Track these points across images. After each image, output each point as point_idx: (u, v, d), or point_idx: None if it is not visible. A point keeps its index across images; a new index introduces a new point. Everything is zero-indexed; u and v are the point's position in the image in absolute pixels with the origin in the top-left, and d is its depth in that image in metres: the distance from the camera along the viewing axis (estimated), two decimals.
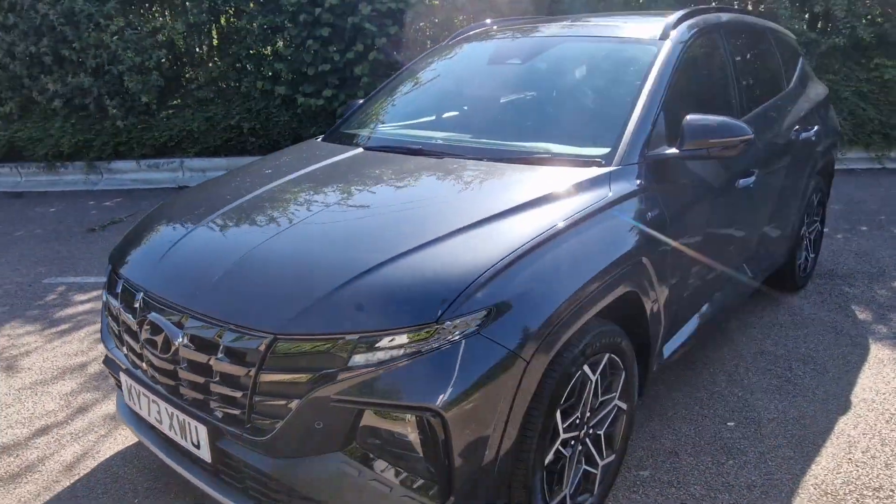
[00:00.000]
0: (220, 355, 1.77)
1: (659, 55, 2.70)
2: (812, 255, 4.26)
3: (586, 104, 2.76)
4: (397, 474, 1.72)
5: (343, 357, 1.66)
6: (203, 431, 1.86)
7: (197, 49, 8.50)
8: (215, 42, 8.60)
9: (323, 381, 1.66)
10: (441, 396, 1.64)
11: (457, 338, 1.68)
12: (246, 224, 2.17)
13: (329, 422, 1.69)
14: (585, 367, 2.04)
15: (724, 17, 3.30)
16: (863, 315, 3.80)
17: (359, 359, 1.66)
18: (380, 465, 1.72)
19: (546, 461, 1.95)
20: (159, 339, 1.92)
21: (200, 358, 1.82)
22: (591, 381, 2.09)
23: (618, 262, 2.07)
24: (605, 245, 2.07)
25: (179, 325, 1.88)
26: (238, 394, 1.76)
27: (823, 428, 2.76)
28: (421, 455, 1.68)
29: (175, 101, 8.32)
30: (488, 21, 3.61)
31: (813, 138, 3.78)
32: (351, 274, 1.76)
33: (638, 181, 2.32)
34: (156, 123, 8.01)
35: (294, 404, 1.68)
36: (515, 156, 2.47)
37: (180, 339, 1.86)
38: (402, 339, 1.66)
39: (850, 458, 2.57)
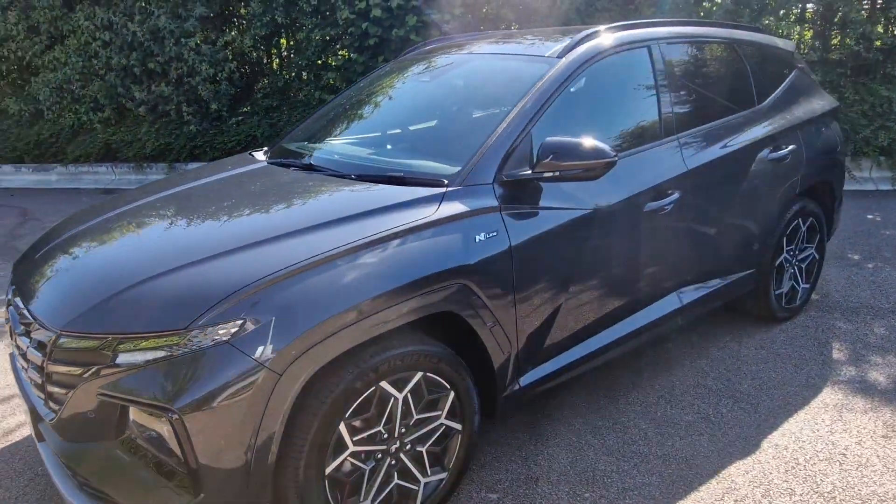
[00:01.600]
0: (30, 347, 2.03)
1: (545, 75, 2.66)
2: (805, 286, 3.91)
3: (466, 123, 2.77)
4: (159, 467, 1.88)
5: (109, 355, 1.85)
6: (27, 413, 2.12)
7: (265, 60, 9.12)
8: (284, 54, 9.19)
9: (92, 376, 1.86)
10: (181, 398, 1.78)
11: (206, 346, 1.81)
12: (91, 238, 2.39)
13: (99, 413, 1.88)
14: (384, 384, 2.09)
15: (662, 31, 3.15)
16: (839, 354, 3.46)
17: (122, 358, 1.84)
18: (146, 457, 1.89)
19: (327, 472, 2.02)
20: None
21: (24, 348, 2.09)
22: (397, 399, 2.14)
23: (421, 282, 2.10)
24: (406, 264, 2.10)
25: (24, 321, 2.16)
26: (40, 381, 2.00)
27: (710, 471, 2.59)
28: (174, 452, 1.83)
29: (245, 109, 8.99)
30: (433, 40, 3.67)
31: (790, 159, 3.50)
32: (128, 283, 1.95)
33: (482, 202, 2.33)
34: (226, 129, 8.70)
35: (71, 394, 1.89)
36: (379, 173, 2.55)
37: (19, 331, 2.14)
38: (156, 342, 1.82)
39: None
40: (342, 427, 2.02)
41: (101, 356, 1.86)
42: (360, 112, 3.21)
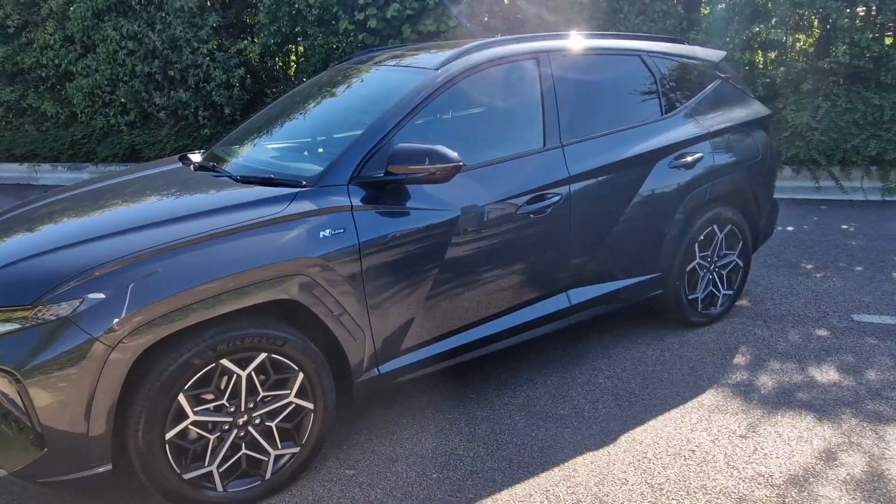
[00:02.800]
0: None
1: (416, 85, 2.88)
2: (727, 292, 3.98)
3: (346, 130, 2.99)
4: (16, 423, 2.20)
5: None
6: None
7: (280, 67, 9.57)
8: (300, 60, 9.61)
9: None
10: (23, 363, 2.08)
11: (49, 320, 2.11)
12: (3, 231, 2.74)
13: None
14: (225, 362, 2.35)
15: (555, 44, 3.31)
16: (740, 359, 3.53)
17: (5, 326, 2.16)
18: (6, 415, 2.20)
19: (168, 437, 2.29)
20: None
21: None
22: (240, 376, 2.39)
23: (258, 271, 2.35)
24: (245, 255, 2.35)
25: None
26: None
27: (558, 460, 2.73)
28: (16, 409, 2.14)
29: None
30: (365, 51, 3.92)
31: (696, 167, 3.59)
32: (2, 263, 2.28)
33: (333, 201, 2.56)
34: None
35: None
36: (257, 174, 2.81)
37: None
38: (9, 315, 2.13)
39: (546, 490, 2.55)
40: (181, 398, 2.29)
41: None
42: (277, 120, 3.48)
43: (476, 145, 3.05)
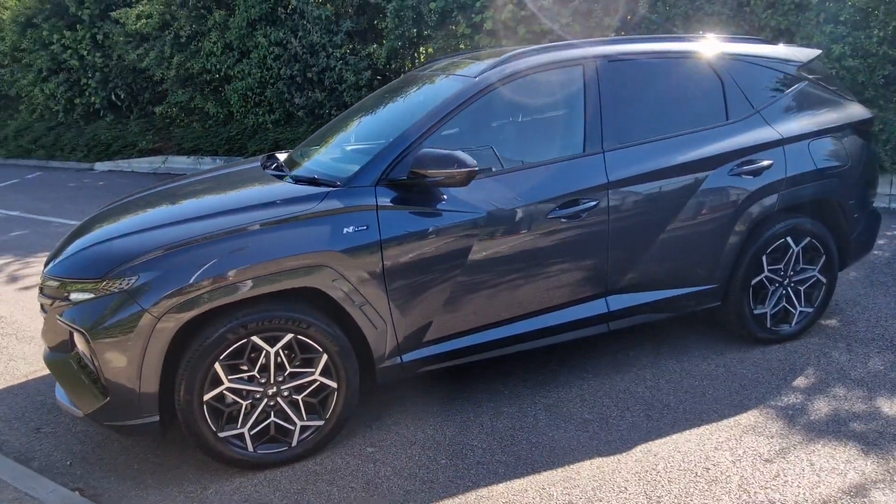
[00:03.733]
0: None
1: (453, 94, 3.03)
2: (805, 310, 3.70)
3: (392, 133, 3.18)
4: (89, 374, 2.68)
5: (65, 292, 2.69)
6: None
7: (401, 70, 10.06)
8: (417, 63, 10.05)
9: (55, 306, 2.71)
10: (93, 326, 2.55)
11: (114, 291, 2.56)
12: (101, 215, 3.27)
13: (60, 332, 2.73)
14: (256, 339, 2.69)
15: (604, 49, 3.30)
16: (801, 381, 3.30)
17: (74, 296, 2.67)
18: (84, 368, 2.70)
19: (205, 398, 2.66)
20: None
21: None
22: (269, 352, 2.72)
23: (284, 261, 2.65)
24: (277, 246, 2.66)
25: None
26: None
27: (565, 461, 2.78)
28: (91, 364, 2.62)
29: None
30: (438, 59, 4.12)
31: (763, 175, 3.39)
32: (86, 245, 2.78)
33: (359, 200, 2.81)
34: None
35: (46, 318, 2.77)
36: (307, 175, 3.13)
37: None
38: (85, 286, 2.62)
39: (542, 488, 2.62)
40: (217, 366, 2.66)
41: (60, 293, 2.71)
42: (346, 123, 3.78)
43: (511, 151, 3.14)
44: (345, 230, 2.76)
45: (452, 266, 2.93)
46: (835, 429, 2.90)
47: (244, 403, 2.75)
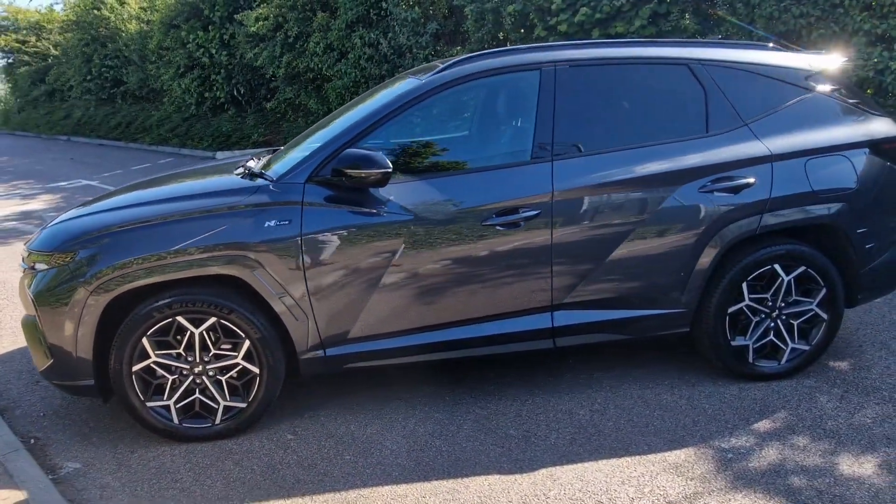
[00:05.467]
0: None
1: (396, 95, 3.05)
2: (799, 346, 3.32)
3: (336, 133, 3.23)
4: (42, 337, 3.01)
5: (32, 263, 3.03)
6: None
7: None
8: None
9: (26, 274, 3.07)
10: (38, 292, 2.87)
11: (60, 264, 2.86)
12: (102, 198, 3.63)
13: (27, 299, 3.08)
14: (181, 319, 2.88)
15: (568, 53, 3.15)
16: (762, 425, 2.97)
17: (38, 266, 3.00)
18: (38, 330, 3.04)
19: (134, 369, 2.90)
20: None
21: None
22: (194, 333, 2.90)
23: (205, 248, 2.81)
24: (199, 233, 2.82)
25: None
26: None
27: (455, 473, 2.71)
28: (40, 328, 2.94)
29: None
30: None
31: (743, 193, 3.09)
32: (56, 221, 3.11)
33: (286, 196, 2.92)
34: None
35: (20, 285, 3.14)
36: (257, 172, 3.26)
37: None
38: (40, 258, 2.94)
39: (415, 497, 2.58)
40: (145, 341, 2.88)
41: (30, 263, 3.06)
42: (327, 124, 3.90)
43: (454, 154, 3.11)
44: (266, 224, 2.88)
45: (378, 267, 2.96)
46: (769, 481, 2.60)
47: (171, 378, 2.97)
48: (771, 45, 3.60)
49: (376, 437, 3.02)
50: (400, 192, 2.98)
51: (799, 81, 3.29)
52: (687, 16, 7.26)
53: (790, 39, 6.56)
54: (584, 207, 3.05)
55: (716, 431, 2.95)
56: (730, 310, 3.23)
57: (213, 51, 14.14)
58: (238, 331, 2.93)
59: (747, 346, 3.30)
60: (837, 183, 3.19)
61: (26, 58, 23.32)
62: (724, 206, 3.10)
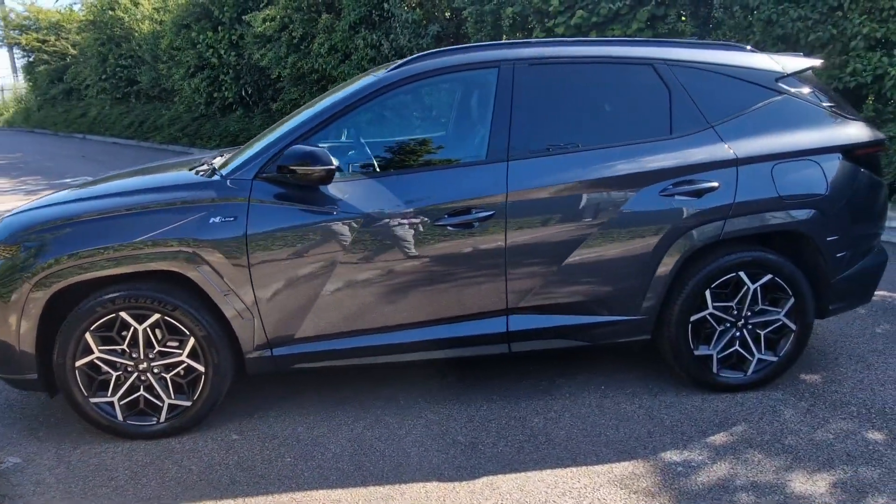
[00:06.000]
0: None
1: (350, 92, 3.00)
2: (767, 357, 3.20)
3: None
4: None
5: None
6: None
7: None
8: None
9: None
10: None
11: (7, 257, 2.84)
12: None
13: None
14: (124, 315, 2.85)
15: (530, 52, 3.07)
16: (718, 438, 2.86)
17: None
18: None
19: (77, 364, 2.86)
20: None
21: None
22: (137, 329, 2.86)
23: (148, 243, 2.77)
24: (142, 229, 2.79)
25: None
26: None
27: (386, 479, 2.64)
28: None
29: None
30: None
31: (704, 198, 2.99)
32: (14, 213, 3.09)
33: (232, 193, 2.87)
34: None
35: None
36: (210, 167, 3.23)
37: None
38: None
39: (355, 502, 2.51)
40: (88, 336, 2.85)
41: None
42: (284, 122, 3.84)
43: (409, 153, 3.05)
44: (211, 220, 2.83)
45: (326, 267, 2.90)
46: (714, 497, 2.49)
47: (115, 374, 2.93)
48: (749, 48, 3.49)
49: (321, 440, 2.96)
50: (350, 191, 2.92)
51: (769, 83, 3.18)
52: (684, 18, 7.14)
53: (788, 43, 6.43)
54: (540, 209, 2.97)
55: (670, 443, 2.85)
56: (692, 318, 3.13)
57: (222, 51, 14.21)
58: (183, 328, 2.89)
59: (711, 355, 3.19)
60: (806, 189, 3.07)
61: (45, 57, 23.66)
62: (685, 211, 3.01)
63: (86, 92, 21.33)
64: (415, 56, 3.12)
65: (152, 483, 2.69)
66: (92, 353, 2.89)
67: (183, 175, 3.19)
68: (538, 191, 2.96)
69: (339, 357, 3.04)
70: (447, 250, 2.94)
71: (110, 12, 18.12)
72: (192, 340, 2.91)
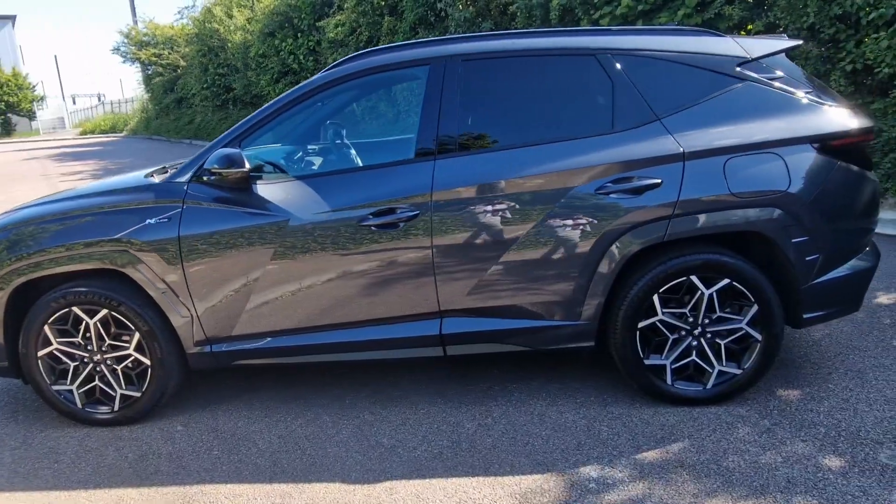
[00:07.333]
0: None
1: (285, 95, 3.04)
2: (729, 370, 2.93)
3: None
4: None
5: None
6: None
7: None
8: None
9: None
10: None
11: None
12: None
13: None
14: (76, 310, 3.05)
15: (465, 47, 2.97)
16: (653, 455, 2.65)
17: None
18: None
19: (39, 355, 3.11)
20: None
21: None
22: (89, 323, 3.07)
23: (93, 243, 2.95)
24: (88, 229, 2.97)
25: None
26: None
27: (314, 479, 2.66)
28: None
29: None
30: None
31: (645, 196, 2.78)
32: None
33: (168, 195, 3.00)
34: None
35: None
36: (160, 170, 3.40)
37: None
38: None
39: (255, 498, 2.55)
40: (46, 329, 3.08)
41: None
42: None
43: (336, 153, 3.05)
44: (147, 221, 2.98)
45: (257, 266, 2.96)
46: None
47: (72, 365, 3.15)
48: (718, 33, 3.20)
49: (254, 436, 3.04)
50: (281, 193, 2.97)
51: (729, 70, 2.90)
52: (735, 1, 6.62)
53: (848, 23, 5.83)
54: (468, 209, 2.88)
55: (595, 458, 2.67)
56: (640, 325, 2.92)
57: (302, 57, 14.86)
58: (129, 323, 3.06)
59: (664, 365, 2.96)
60: (764, 185, 2.77)
61: (160, 69, 25.75)
62: (624, 210, 2.80)
63: (191, 100, 22.99)
64: (350, 56, 3.12)
65: (88, 468, 2.87)
66: (51, 344, 3.12)
67: (133, 179, 3.38)
68: (465, 189, 2.87)
69: (278, 355, 3.10)
70: (374, 251, 2.92)
71: (208, 25, 19.42)
72: (137, 335, 3.08)
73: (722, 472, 2.52)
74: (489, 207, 2.87)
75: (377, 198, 2.91)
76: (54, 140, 31.58)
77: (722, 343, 2.93)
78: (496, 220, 2.87)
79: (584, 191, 2.83)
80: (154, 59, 26.01)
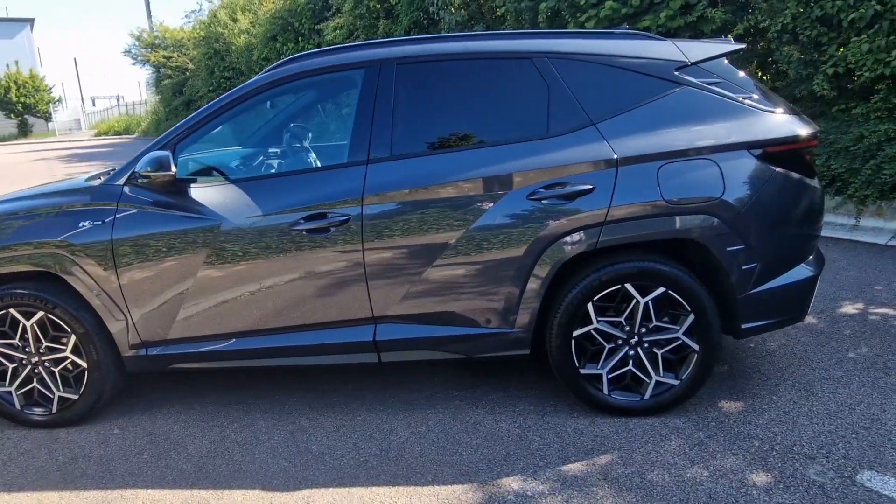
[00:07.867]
0: None
1: (219, 98, 3.03)
2: (667, 380, 2.86)
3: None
4: None
5: None
6: None
7: None
8: None
9: None
10: None
11: None
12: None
13: None
14: (13, 311, 3.06)
15: (403, 50, 2.94)
16: (578, 467, 2.60)
17: None
18: None
19: None
20: None
21: None
22: (25, 325, 3.06)
23: (27, 246, 2.96)
24: (23, 233, 2.97)
25: None
26: None
27: (238, 486, 2.63)
28: None
29: None
30: None
31: (581, 202, 2.72)
32: None
33: (103, 199, 2.99)
34: None
35: None
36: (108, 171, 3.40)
37: None
38: None
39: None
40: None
41: None
42: None
43: (270, 157, 3.03)
44: (81, 224, 2.97)
45: (190, 270, 2.94)
46: None
47: (10, 366, 3.16)
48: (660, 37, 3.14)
49: (187, 440, 3.02)
50: (215, 196, 2.95)
51: (667, 75, 2.84)
52: (719, 4, 6.54)
53: (829, 25, 5.73)
54: (399, 213, 2.84)
55: (520, 469, 2.62)
56: (575, 333, 2.86)
57: None
58: (64, 325, 3.06)
59: (601, 375, 2.91)
60: (697, 191, 2.71)
61: (169, 72, 25.99)
62: (555, 216, 2.75)
63: (199, 102, 23.16)
64: (286, 59, 3.10)
65: (17, 470, 2.87)
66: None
67: (74, 182, 3.38)
68: (397, 194, 2.84)
69: (213, 359, 3.08)
70: (305, 255, 2.89)
71: (214, 29, 19.57)
72: (73, 337, 3.07)
73: (644, 486, 2.46)
74: (421, 212, 2.84)
75: (309, 202, 2.88)
76: (68, 141, 31.95)
77: (659, 353, 2.87)
78: (428, 225, 2.84)
79: (516, 196, 2.79)
80: (163, 61, 26.25)
